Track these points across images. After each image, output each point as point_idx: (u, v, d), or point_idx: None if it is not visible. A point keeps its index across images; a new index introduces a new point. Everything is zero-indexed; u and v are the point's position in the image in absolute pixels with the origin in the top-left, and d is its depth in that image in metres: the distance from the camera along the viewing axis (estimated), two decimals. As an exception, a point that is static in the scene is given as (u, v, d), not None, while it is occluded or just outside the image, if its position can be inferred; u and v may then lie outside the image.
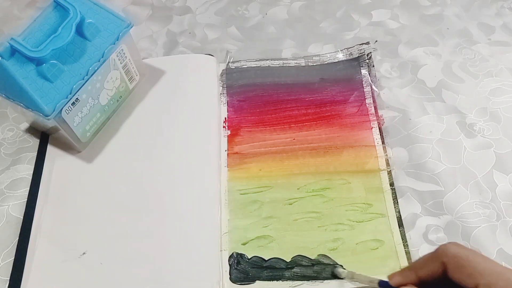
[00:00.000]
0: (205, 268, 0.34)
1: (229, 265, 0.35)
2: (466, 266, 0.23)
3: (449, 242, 0.25)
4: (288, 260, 0.35)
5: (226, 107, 0.43)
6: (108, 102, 0.41)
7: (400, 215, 0.37)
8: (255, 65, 0.46)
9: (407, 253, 0.35)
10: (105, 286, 0.34)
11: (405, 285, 0.26)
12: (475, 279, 0.22)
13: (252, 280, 0.34)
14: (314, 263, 0.35)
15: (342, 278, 0.33)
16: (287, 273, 0.34)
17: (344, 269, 0.34)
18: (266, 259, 0.35)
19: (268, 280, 0.34)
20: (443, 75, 0.45)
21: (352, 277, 0.33)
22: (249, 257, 0.35)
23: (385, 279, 0.29)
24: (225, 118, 0.43)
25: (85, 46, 0.37)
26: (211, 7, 0.52)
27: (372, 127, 0.41)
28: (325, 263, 0.35)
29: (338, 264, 0.34)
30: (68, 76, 0.36)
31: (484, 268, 0.23)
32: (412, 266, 0.26)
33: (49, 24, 0.36)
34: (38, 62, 0.34)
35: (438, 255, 0.24)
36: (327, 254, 0.35)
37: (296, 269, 0.35)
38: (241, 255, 0.35)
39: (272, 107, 0.43)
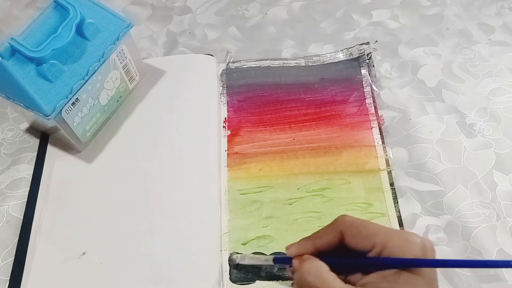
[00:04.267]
0: (205, 268, 0.34)
1: (229, 265, 0.35)
2: (361, 230, 0.24)
3: (345, 214, 0.26)
4: None
5: (226, 107, 0.43)
6: (108, 102, 0.41)
7: (400, 215, 0.37)
8: (255, 65, 0.46)
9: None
10: (105, 286, 0.34)
11: (301, 255, 0.26)
12: (371, 239, 0.24)
13: (252, 280, 0.34)
14: None
15: (237, 264, 0.34)
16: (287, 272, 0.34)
17: (238, 253, 0.34)
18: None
19: (268, 280, 0.34)
20: (443, 75, 0.45)
21: (244, 259, 0.33)
22: (249, 257, 0.35)
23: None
24: (225, 118, 0.43)
25: (85, 46, 0.37)
26: (211, 7, 0.52)
27: (372, 127, 0.41)
28: None
29: (234, 252, 0.35)
30: (68, 76, 0.35)
31: (379, 229, 0.24)
32: (310, 237, 0.27)
33: (49, 24, 0.36)
34: (38, 62, 0.34)
35: (336, 224, 0.26)
36: None
37: None
38: (241, 255, 0.35)
39: (272, 107, 0.43)
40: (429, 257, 0.23)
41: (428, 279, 0.23)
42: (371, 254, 0.24)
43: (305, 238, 0.27)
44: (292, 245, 0.27)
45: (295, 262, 0.26)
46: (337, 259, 0.25)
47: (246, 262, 0.33)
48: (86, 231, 0.37)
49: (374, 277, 0.24)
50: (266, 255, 0.34)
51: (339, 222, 0.26)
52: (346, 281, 0.24)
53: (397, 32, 0.49)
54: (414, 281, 0.23)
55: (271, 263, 0.30)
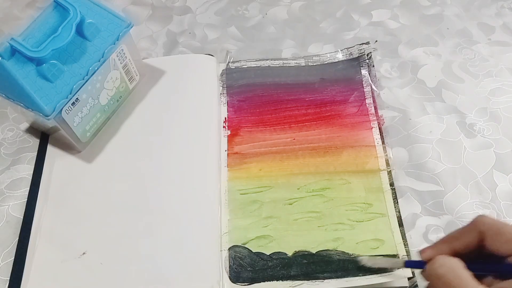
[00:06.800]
0: (205, 268, 0.34)
1: (229, 265, 0.35)
2: (503, 234, 0.23)
3: (483, 214, 0.24)
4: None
5: (226, 107, 0.43)
6: (108, 102, 0.41)
7: (400, 215, 0.37)
8: (255, 65, 0.46)
9: (408, 253, 0.35)
10: (105, 286, 0.34)
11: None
12: None
13: (252, 280, 0.34)
14: (316, 258, 0.35)
15: (363, 265, 0.33)
16: (288, 270, 0.34)
17: (366, 255, 0.34)
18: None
19: (268, 281, 0.34)
20: (443, 75, 0.45)
21: (375, 262, 0.33)
22: (249, 257, 0.35)
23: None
24: (225, 118, 0.43)
25: (85, 46, 0.37)
26: (211, 7, 0.52)
27: (372, 127, 0.41)
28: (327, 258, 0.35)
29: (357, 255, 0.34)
30: (68, 76, 0.35)
31: None
32: (446, 239, 0.25)
33: (49, 24, 0.36)
34: (38, 62, 0.34)
35: (475, 225, 0.24)
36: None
37: (300, 260, 0.34)
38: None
39: (272, 107, 0.43)
40: None
41: None
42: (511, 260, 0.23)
43: (441, 240, 0.25)
44: (426, 248, 0.26)
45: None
46: (476, 264, 0.24)
47: (375, 265, 0.32)
48: (86, 231, 0.36)
49: (509, 284, 0.22)
50: (396, 258, 0.31)
51: (479, 222, 0.24)
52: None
53: (397, 32, 0.49)
54: None
55: (402, 266, 0.29)
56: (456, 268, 0.23)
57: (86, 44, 0.37)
